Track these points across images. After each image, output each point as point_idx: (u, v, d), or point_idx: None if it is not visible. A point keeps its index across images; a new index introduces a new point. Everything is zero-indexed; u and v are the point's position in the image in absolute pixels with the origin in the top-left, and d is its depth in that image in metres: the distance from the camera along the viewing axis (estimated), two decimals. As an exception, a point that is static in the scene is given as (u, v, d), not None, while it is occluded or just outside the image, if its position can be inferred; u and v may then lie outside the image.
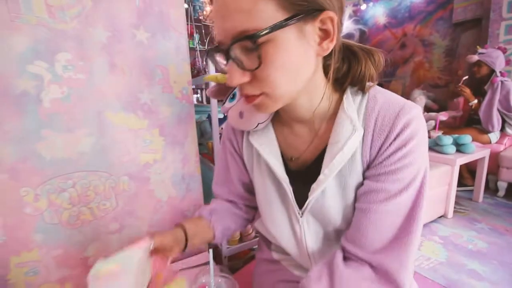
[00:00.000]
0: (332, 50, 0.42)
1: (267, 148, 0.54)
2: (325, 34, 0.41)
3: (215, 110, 1.11)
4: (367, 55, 0.48)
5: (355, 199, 0.49)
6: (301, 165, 0.54)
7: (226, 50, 0.38)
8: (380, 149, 0.45)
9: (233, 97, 0.62)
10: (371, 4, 4.33)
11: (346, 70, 0.49)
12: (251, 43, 0.36)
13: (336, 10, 0.40)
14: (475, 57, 2.42)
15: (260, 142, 0.55)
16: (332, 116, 0.50)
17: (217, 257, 1.05)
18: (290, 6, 0.36)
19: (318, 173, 0.49)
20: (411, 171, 0.44)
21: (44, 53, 0.67)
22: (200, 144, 1.20)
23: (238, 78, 0.39)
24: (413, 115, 0.44)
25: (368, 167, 0.48)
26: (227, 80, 0.40)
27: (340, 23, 0.43)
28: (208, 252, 0.48)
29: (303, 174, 0.52)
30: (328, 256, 0.54)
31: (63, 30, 0.69)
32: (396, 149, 0.43)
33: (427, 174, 0.45)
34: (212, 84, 0.94)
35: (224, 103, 0.66)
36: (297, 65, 0.40)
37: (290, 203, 0.54)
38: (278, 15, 0.35)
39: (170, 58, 0.83)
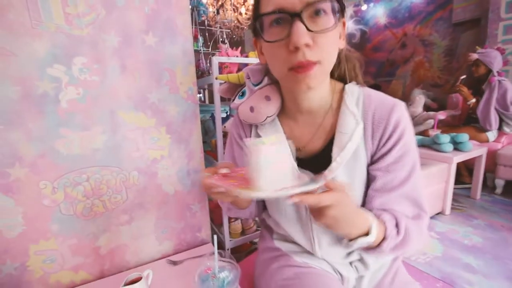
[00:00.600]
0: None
1: None
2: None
3: (219, 110, 1.16)
4: (351, 58, 0.58)
5: (363, 188, 0.58)
6: (308, 154, 0.60)
7: (297, 13, 0.43)
8: (380, 140, 0.54)
9: (243, 95, 0.68)
10: (371, 4, 4.36)
11: (340, 71, 0.59)
12: (336, 7, 0.44)
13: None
14: (475, 56, 2.47)
15: (269, 134, 0.61)
16: (335, 110, 0.57)
17: (220, 250, 1.10)
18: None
19: (326, 161, 0.56)
20: (411, 156, 0.54)
21: (62, 57, 0.73)
22: (204, 142, 1.25)
23: (307, 38, 0.43)
24: (403, 110, 0.54)
25: (372, 158, 0.56)
26: (294, 38, 0.43)
27: None
28: (213, 239, 0.54)
29: (311, 162, 0.59)
30: (330, 238, 0.62)
31: (79, 36, 0.75)
32: (397, 139, 0.53)
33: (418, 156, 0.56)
34: (218, 84, 1.00)
35: (233, 100, 0.71)
36: (337, 46, 0.50)
37: None
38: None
39: (176, 61, 0.89)
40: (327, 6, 0.44)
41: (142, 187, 0.89)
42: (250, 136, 0.67)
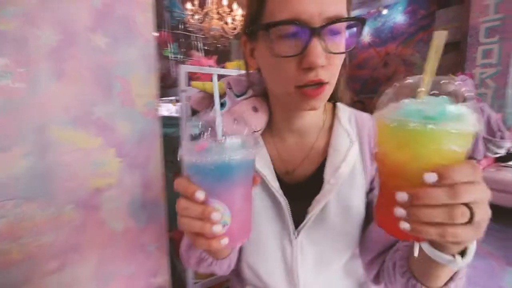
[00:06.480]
0: None
1: (261, 161, 0.50)
2: None
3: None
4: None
5: (361, 220, 0.49)
6: (297, 179, 0.51)
7: (316, 29, 0.37)
8: None
9: (222, 106, 0.58)
10: (355, 23, 4.43)
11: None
12: (356, 26, 0.40)
13: None
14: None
15: None
16: (328, 129, 0.52)
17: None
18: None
19: (318, 186, 0.47)
20: None
21: (-30, 56, 0.56)
22: (171, 162, 1.08)
23: (323, 59, 0.38)
24: None
25: (371, 184, 0.49)
26: (310, 58, 0.38)
27: None
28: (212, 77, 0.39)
29: (300, 189, 0.50)
30: (320, 282, 0.51)
31: (2, 30, 0.58)
32: None
33: None
34: (184, 96, 0.84)
35: (211, 111, 0.59)
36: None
37: (284, 222, 0.49)
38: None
39: (133, 68, 0.73)
40: (348, 25, 0.40)
41: (79, 224, 0.70)
42: None
